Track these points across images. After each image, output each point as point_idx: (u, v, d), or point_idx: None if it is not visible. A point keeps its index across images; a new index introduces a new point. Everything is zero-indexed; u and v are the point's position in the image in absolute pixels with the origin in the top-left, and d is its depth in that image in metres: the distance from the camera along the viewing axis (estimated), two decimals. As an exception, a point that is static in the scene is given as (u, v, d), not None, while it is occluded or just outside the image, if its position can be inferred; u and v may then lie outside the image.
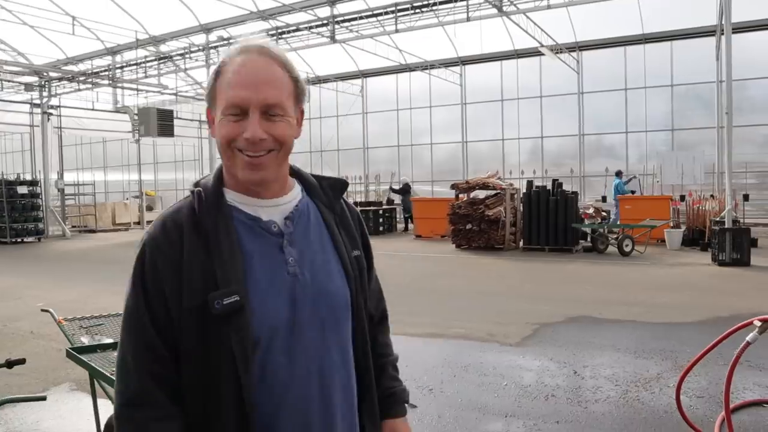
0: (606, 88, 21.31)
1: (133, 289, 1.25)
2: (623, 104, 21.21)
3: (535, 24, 17.70)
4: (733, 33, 18.12)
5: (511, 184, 15.83)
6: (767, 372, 5.42)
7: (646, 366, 5.72)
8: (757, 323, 3.32)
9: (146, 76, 22.06)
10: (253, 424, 1.22)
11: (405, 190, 20.95)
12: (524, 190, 15.26)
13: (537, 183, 15.91)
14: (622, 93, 21.16)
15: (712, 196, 16.34)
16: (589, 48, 21.52)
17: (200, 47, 19.61)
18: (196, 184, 1.32)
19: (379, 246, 16.75)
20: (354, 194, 24.19)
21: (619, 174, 18.83)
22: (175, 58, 21.11)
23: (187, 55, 20.47)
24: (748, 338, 3.35)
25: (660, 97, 20.68)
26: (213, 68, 1.28)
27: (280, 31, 18.23)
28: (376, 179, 23.60)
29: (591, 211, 15.80)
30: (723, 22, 12.71)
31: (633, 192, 18.47)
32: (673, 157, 18.45)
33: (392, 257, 14.50)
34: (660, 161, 18.42)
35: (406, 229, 20.95)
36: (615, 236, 14.57)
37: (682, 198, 16.62)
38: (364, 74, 25.85)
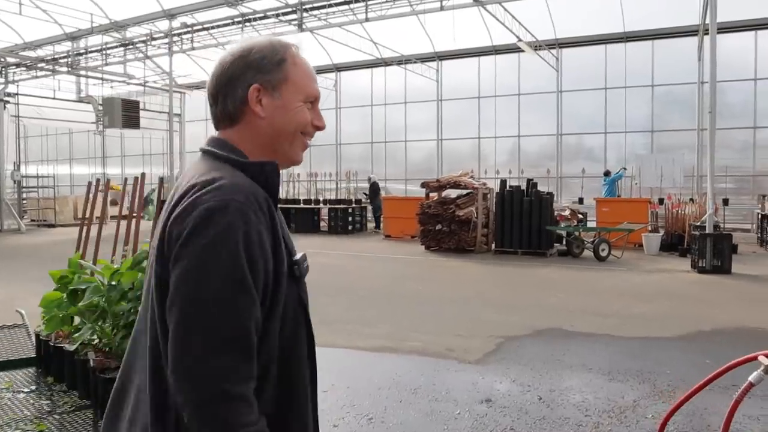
0: (586, 87, 20.72)
1: (235, 259, 1.13)
2: (603, 104, 20.65)
3: (513, 17, 17.03)
4: (706, 35, 17.67)
5: (485, 184, 15.12)
6: (757, 399, 4.73)
7: (620, 391, 5.02)
8: (764, 360, 2.59)
9: (106, 64, 21.03)
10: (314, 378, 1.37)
11: (373, 190, 20.09)
12: (497, 190, 14.55)
13: (513, 183, 15.23)
14: (602, 92, 20.60)
15: (691, 199, 15.82)
16: (569, 45, 20.92)
17: (164, 33, 18.65)
18: (262, 161, 1.32)
19: (348, 246, 15.98)
20: (325, 192, 23.35)
21: (607, 174, 18.31)
22: (138, 44, 20.12)
23: (150, 42, 19.48)
24: (751, 378, 2.62)
25: (640, 98, 20.15)
26: (266, 51, 1.32)
27: (246, 17, 17.36)
28: (347, 176, 22.77)
29: (567, 213, 15.16)
30: (708, 21, 12.10)
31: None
32: (653, 159, 17.95)
33: (360, 258, 13.74)
34: (639, 163, 17.89)
35: (377, 228, 20.13)
36: (591, 240, 13.95)
37: (661, 201, 16.08)
38: (338, 68, 25.05)
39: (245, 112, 1.33)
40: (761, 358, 2.85)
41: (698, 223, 12.98)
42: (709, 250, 11.26)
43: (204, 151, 1.35)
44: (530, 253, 13.73)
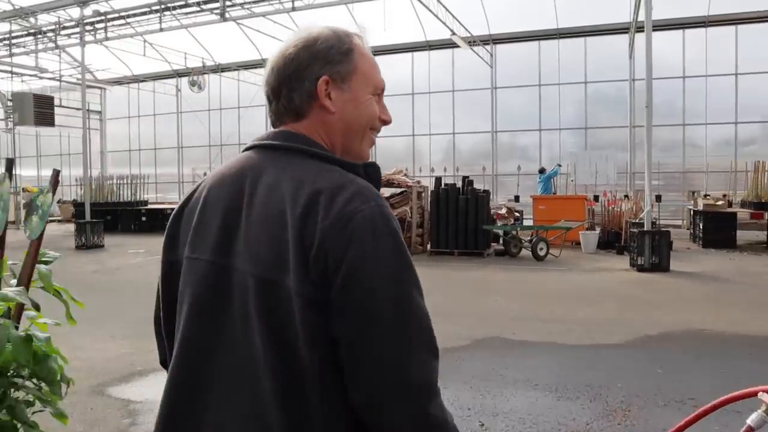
0: (520, 84, 20.48)
1: (411, 264, 1.11)
2: (537, 101, 20.47)
3: (446, 10, 16.53)
4: (637, 32, 17.73)
5: (419, 182, 14.55)
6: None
7: (570, 411, 4.45)
8: (766, 398, 1.98)
9: (11, 54, 19.41)
10: None
11: None
12: (432, 188, 13.98)
13: (449, 181, 14.72)
14: (536, 89, 20.41)
15: (626, 196, 15.72)
16: (504, 41, 20.65)
17: (75, 22, 17.26)
18: (365, 163, 1.25)
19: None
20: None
21: (542, 171, 18.05)
22: (49, 34, 18.61)
23: (60, 31, 18.04)
24: (750, 421, 2.01)
25: (574, 95, 20.05)
26: (332, 40, 1.22)
27: (165, 5, 16.21)
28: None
29: (503, 211, 14.78)
30: (642, 18, 11.86)
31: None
32: (587, 156, 17.89)
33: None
34: (574, 160, 17.76)
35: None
36: (529, 239, 13.58)
37: (596, 198, 15.94)
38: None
39: (313, 106, 1.22)
40: (762, 395, 2.26)
41: (636, 220, 12.78)
42: (648, 247, 11.00)
43: (285, 148, 1.20)
44: (467, 253, 13.22)
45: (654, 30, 17.20)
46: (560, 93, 20.12)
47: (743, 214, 14.85)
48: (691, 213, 16.03)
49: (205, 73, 23.73)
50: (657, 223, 14.27)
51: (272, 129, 1.25)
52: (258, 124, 24.57)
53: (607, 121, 19.99)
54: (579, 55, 19.82)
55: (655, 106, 18.44)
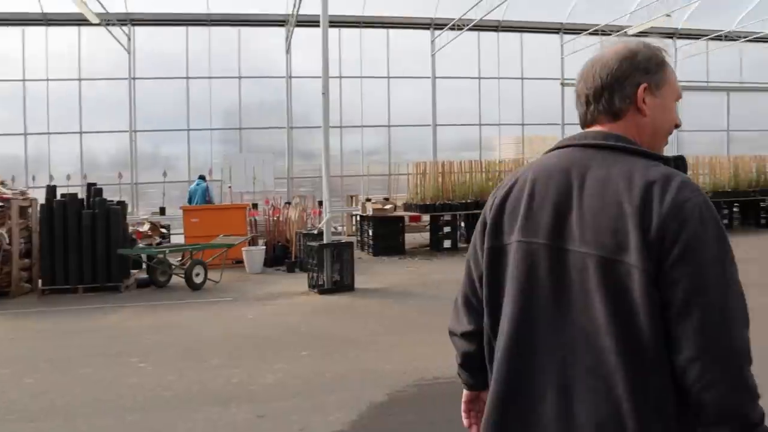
0: (164, 75, 17.31)
1: (732, 253, 1.23)
2: (185, 96, 17.54)
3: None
4: (297, 27, 16.30)
5: (23, 193, 10.41)
6: None
7: None
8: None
9: None
10: None
11: None
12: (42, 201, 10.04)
13: (76, 191, 10.92)
14: (183, 82, 17.49)
15: (288, 203, 13.91)
16: (145, 23, 17.23)
17: None
18: (675, 156, 1.39)
19: None
20: None
21: (203, 178, 14.89)
22: None
23: None
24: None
25: (228, 90, 17.68)
26: (649, 53, 1.38)
27: None
28: None
29: (146, 228, 11.60)
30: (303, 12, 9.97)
31: (202, 178, 14.96)
32: (242, 160, 15.73)
33: None
34: (229, 164, 15.40)
35: None
36: (180, 261, 10.70)
37: (255, 206, 13.87)
38: None
39: (630, 109, 1.37)
40: None
41: (308, 231, 10.91)
42: (329, 264, 9.12)
43: (610, 147, 1.33)
44: (97, 288, 9.58)
45: (309, 25, 15.89)
46: (211, 88, 17.60)
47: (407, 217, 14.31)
48: (358, 219, 14.99)
49: None
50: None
51: (584, 130, 1.42)
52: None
53: (263, 121, 18.14)
54: (233, 47, 17.58)
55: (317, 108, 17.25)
